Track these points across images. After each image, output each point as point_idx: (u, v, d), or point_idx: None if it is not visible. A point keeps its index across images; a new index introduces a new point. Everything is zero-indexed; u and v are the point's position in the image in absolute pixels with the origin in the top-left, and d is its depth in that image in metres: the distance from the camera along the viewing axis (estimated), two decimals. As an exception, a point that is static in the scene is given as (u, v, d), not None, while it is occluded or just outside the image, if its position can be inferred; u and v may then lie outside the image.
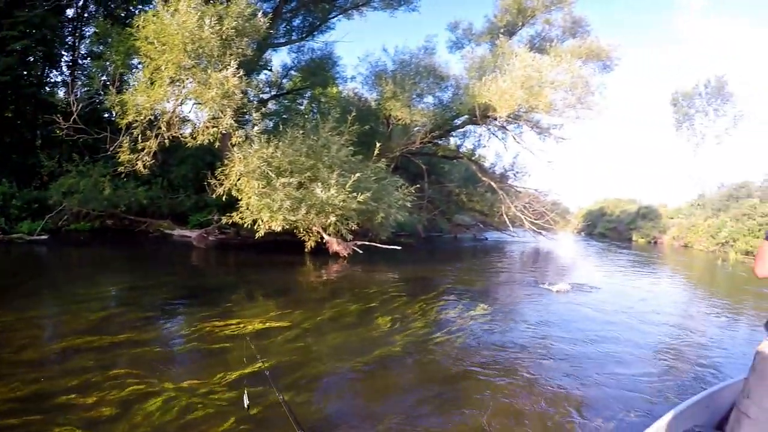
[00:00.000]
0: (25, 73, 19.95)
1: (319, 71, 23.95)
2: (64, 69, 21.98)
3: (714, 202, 38.10)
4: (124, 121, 13.78)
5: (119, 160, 14.40)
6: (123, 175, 15.55)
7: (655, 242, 41.49)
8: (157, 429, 4.08)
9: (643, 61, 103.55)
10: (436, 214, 28.11)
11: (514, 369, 6.16)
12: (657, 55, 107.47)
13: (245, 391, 3.67)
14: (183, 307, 8.64)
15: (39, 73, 20.75)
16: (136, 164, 14.32)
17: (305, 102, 25.77)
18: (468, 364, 6.29)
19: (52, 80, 22.02)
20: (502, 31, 24.91)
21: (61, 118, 14.55)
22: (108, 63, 16.37)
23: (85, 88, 18.42)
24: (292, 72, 24.95)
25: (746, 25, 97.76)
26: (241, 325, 7.36)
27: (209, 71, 13.29)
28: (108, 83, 15.21)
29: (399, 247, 17.17)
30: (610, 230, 49.94)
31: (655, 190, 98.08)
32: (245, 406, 3.61)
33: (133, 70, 16.56)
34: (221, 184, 14.07)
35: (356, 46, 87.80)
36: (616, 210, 52.47)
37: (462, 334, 7.77)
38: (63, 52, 21.77)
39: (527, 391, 5.42)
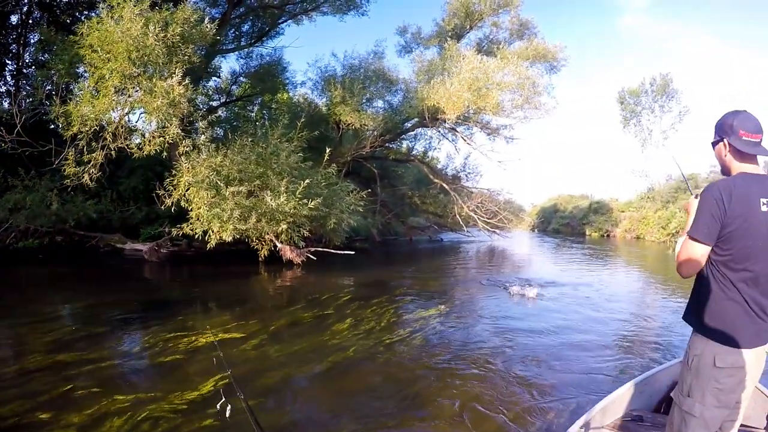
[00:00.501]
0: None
1: (269, 77, 23.81)
2: (8, 78, 21.27)
3: (663, 195, 39.44)
4: (69, 133, 13.36)
5: (65, 173, 13.90)
6: (70, 189, 15.00)
7: (608, 235, 42.66)
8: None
9: (589, 62, 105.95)
10: (390, 217, 28.23)
11: (475, 362, 6.41)
12: (602, 55, 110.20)
13: (223, 401, 3.69)
14: (139, 322, 8.51)
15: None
16: (83, 177, 13.86)
17: (255, 109, 25.56)
18: (427, 362, 6.50)
19: (-5, 91, 21.30)
20: (450, 34, 25.28)
21: (4, 130, 14.07)
22: (53, 72, 15.87)
23: (29, 99, 17.85)
24: (242, 78, 24.70)
25: (686, 23, 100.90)
26: (199, 337, 7.34)
27: (155, 80, 13.06)
28: (53, 93, 14.84)
29: (353, 252, 17.22)
30: (563, 226, 50.97)
31: (606, 186, 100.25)
32: (226, 414, 3.62)
33: (79, 79, 16.10)
34: (170, 195, 13.83)
35: (306, 51, 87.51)
36: (569, 206, 53.58)
37: (420, 333, 7.99)
38: (7, 61, 21.04)
39: (488, 383, 5.67)
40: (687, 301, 2.67)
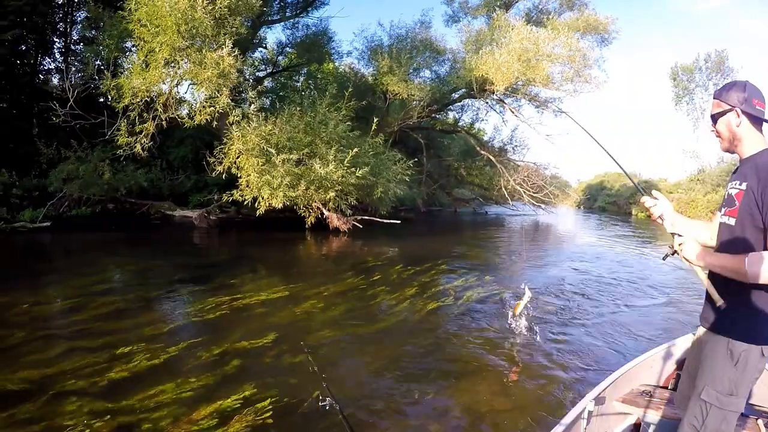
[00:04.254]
0: (18, 62, 19.72)
1: (315, 47, 23.71)
2: (57, 56, 21.56)
3: (713, 177, 37.99)
4: (121, 105, 13.73)
5: (117, 143, 14.37)
6: (122, 159, 15.50)
7: (656, 217, 41.68)
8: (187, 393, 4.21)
9: (642, 36, 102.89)
10: (436, 188, 28.21)
11: (505, 335, 6.37)
12: (656, 29, 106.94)
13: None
14: (191, 284, 8.67)
15: (32, 62, 20.41)
16: (135, 147, 14.25)
17: (302, 79, 25.52)
18: (463, 331, 6.50)
19: (45, 68, 21.59)
20: (498, 4, 24.78)
21: (57, 105, 14.49)
22: (101, 47, 16.21)
23: (80, 74, 18.24)
24: (288, 49, 24.67)
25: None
26: (249, 299, 7.47)
27: (204, 51, 13.17)
28: (102, 68, 15.18)
29: (398, 222, 17.25)
30: (610, 204, 50.09)
31: (655, 166, 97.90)
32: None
33: (127, 54, 16.41)
34: (220, 163, 14.09)
35: (351, 21, 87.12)
36: (616, 184, 52.49)
37: (460, 303, 8.01)
38: (55, 39, 21.40)
39: (514, 355, 5.68)
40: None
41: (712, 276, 2.41)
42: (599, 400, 3.40)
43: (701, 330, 2.64)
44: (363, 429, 3.80)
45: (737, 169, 2.43)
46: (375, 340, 6.02)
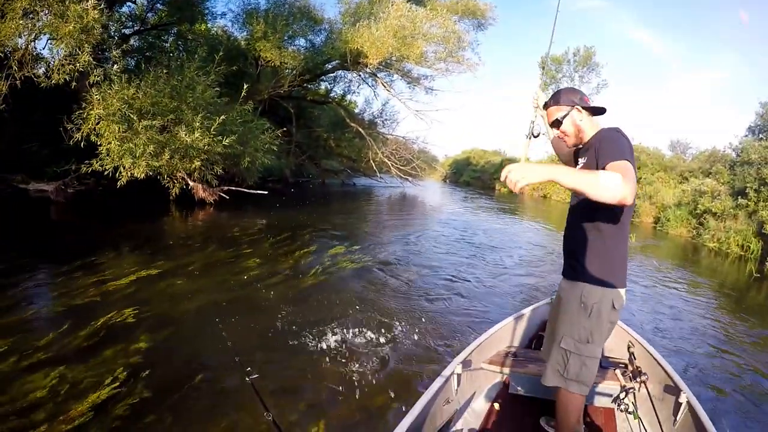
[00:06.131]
0: None
1: (188, 5, 22.58)
2: None
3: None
4: (-31, 60, 12.44)
5: None
6: None
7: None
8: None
9: (516, 28, 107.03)
10: (305, 159, 28.20)
11: (367, 302, 6.91)
12: (528, 23, 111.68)
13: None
14: (48, 265, 8.26)
15: None
16: (-16, 109, 13.07)
17: (171, 39, 24.38)
18: (329, 299, 6.99)
19: None
20: (375, -22, 24.88)
21: None
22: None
23: None
24: (159, 6, 23.46)
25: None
26: (111, 277, 7.36)
27: (67, 2, 12.26)
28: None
29: (266, 192, 17.32)
30: (474, 179, 52.44)
31: (519, 145, 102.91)
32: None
33: None
34: (78, 129, 13.16)
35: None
36: (481, 161, 54.98)
37: (326, 272, 8.52)
38: None
39: (379, 323, 6.10)
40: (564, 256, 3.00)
41: (569, 228, 2.94)
42: (466, 363, 3.75)
43: (561, 281, 3.04)
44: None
45: (579, 151, 2.99)
46: (238, 311, 6.25)
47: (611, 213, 2.62)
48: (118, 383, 4.22)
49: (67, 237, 11.36)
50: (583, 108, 2.87)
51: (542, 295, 7.82)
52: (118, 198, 15.44)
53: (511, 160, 47.88)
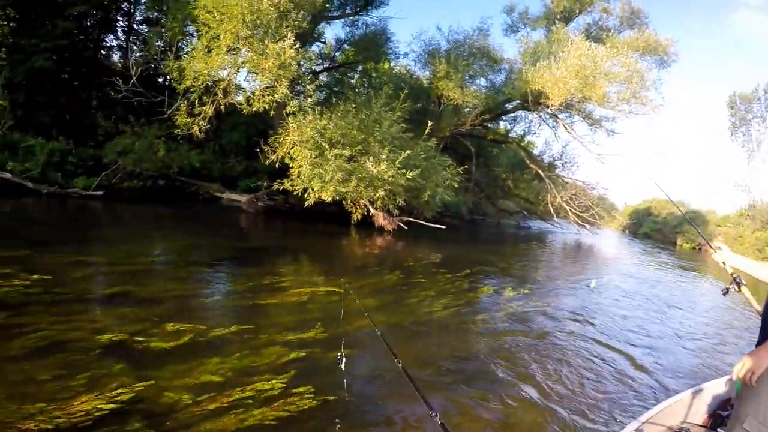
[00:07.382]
0: (82, 37, 20.34)
1: (372, 46, 23.70)
2: (120, 34, 22.38)
3: (764, 214, 36.47)
4: (182, 86, 14.19)
5: (177, 123, 14.93)
6: (178, 138, 16.05)
7: (700, 249, 40.23)
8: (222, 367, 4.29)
9: (701, 61, 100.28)
10: (482, 197, 28.10)
11: (541, 351, 6.34)
12: (715, 54, 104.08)
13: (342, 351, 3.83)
14: (232, 264, 8.86)
15: (95, 38, 21.09)
16: (192, 128, 14.76)
17: (356, 76, 25.67)
18: (499, 339, 6.51)
19: (107, 44, 22.39)
20: (558, 17, 24.55)
21: (120, 80, 15.03)
22: (164, 30, 16.79)
23: (140, 53, 18.90)
24: (345, 46, 24.82)
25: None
26: (286, 285, 7.58)
27: (266, 42, 13.47)
28: (164, 49, 15.71)
29: (443, 227, 17.23)
30: (655, 231, 48.98)
31: (705, 196, 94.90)
32: (341, 365, 3.79)
33: (188, 38, 17.18)
34: (274, 152, 14.38)
35: (409, 23, 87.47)
36: (663, 211, 51.38)
37: (497, 311, 8.06)
38: (119, 18, 22.09)
39: (552, 373, 5.60)
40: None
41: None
42: None
43: None
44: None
45: None
46: (411, 336, 6.09)
47: None
48: (282, 385, 4.23)
49: (252, 243, 12.44)
50: None
51: (725, 368, 6.82)
52: (302, 216, 16.36)
53: (696, 214, 44.42)
